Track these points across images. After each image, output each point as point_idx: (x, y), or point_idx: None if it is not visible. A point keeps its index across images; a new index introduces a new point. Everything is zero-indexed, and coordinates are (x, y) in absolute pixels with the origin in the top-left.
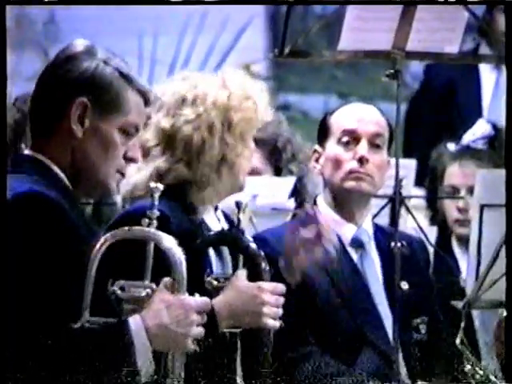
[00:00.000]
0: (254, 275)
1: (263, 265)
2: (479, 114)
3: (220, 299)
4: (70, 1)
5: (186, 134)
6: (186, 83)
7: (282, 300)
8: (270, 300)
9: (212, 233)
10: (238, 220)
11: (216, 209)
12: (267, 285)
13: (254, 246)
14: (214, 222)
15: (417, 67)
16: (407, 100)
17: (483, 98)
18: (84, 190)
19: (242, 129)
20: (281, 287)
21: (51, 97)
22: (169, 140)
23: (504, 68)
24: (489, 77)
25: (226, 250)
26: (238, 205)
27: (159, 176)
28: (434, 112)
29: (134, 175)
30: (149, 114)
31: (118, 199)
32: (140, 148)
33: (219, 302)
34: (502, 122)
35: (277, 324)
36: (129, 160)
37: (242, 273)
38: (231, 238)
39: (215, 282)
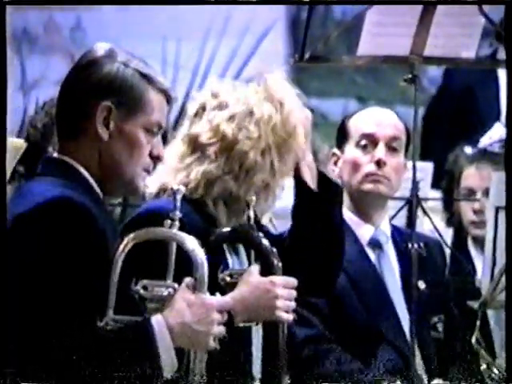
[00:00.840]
0: (267, 271)
1: (275, 261)
2: (497, 119)
3: (234, 294)
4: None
5: (245, 150)
6: (254, 95)
7: (294, 293)
8: (282, 293)
9: (224, 230)
10: (249, 217)
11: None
12: (279, 279)
13: (266, 242)
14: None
15: (435, 72)
16: (425, 104)
17: (501, 102)
18: (112, 190)
19: (291, 158)
20: (293, 281)
21: (76, 101)
22: (227, 147)
23: None
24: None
25: (241, 248)
26: (247, 203)
27: (208, 181)
28: (452, 116)
29: (181, 171)
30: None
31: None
32: (191, 139)
33: (233, 297)
34: None
35: (290, 317)
36: (155, 158)
37: (255, 268)
38: (243, 234)
39: (228, 278)
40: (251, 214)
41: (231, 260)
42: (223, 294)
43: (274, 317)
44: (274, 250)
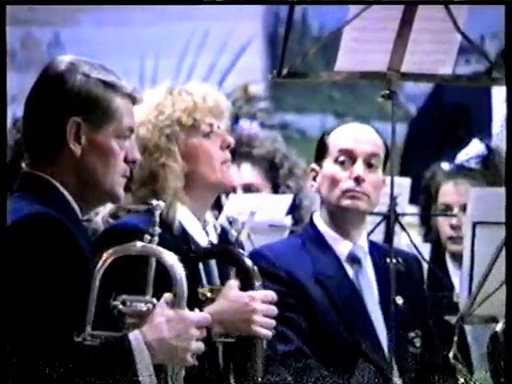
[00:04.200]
0: (246, 289)
1: (255, 280)
2: (489, 137)
3: (212, 308)
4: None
5: None
6: None
7: (274, 309)
8: (261, 308)
9: (204, 246)
10: (232, 235)
11: (205, 224)
12: (258, 293)
13: (248, 260)
14: (203, 237)
15: (412, 88)
16: (402, 120)
17: (493, 119)
18: (92, 202)
19: None
20: (271, 295)
21: (43, 119)
22: None
23: None
24: (500, 104)
25: (212, 263)
26: (230, 221)
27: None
28: (440, 132)
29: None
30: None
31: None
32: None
33: (211, 310)
34: (500, 143)
35: (269, 333)
36: (130, 162)
37: (234, 283)
38: (225, 251)
39: (209, 294)
40: (233, 232)
41: (204, 276)
42: (201, 308)
43: (251, 331)
44: (256, 268)
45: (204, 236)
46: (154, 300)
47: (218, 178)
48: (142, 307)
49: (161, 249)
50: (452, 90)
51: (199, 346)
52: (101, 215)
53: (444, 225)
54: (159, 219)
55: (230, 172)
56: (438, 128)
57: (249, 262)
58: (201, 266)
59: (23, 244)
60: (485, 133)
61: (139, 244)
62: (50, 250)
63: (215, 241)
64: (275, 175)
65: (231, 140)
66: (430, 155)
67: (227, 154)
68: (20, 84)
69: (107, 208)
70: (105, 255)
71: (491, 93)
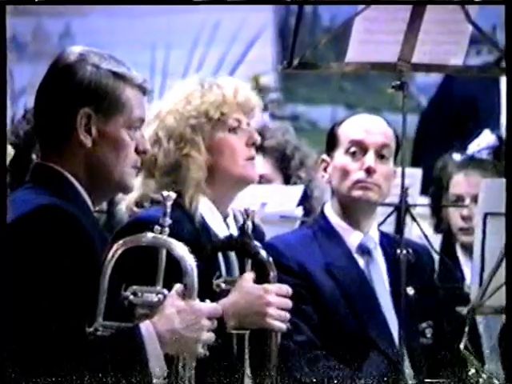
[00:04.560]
0: (262, 281)
1: (271, 272)
2: (498, 129)
3: (226, 300)
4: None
5: None
6: None
7: (288, 302)
8: (274, 301)
9: (221, 238)
10: (247, 226)
11: (226, 217)
12: (272, 286)
13: (263, 252)
14: (223, 229)
15: (423, 79)
16: (413, 111)
17: (502, 110)
18: (103, 193)
19: None
20: (286, 288)
21: (54, 110)
22: None
23: None
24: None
25: (233, 255)
26: (247, 212)
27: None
28: (451, 123)
29: None
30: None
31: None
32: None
33: (225, 302)
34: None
35: (283, 326)
36: (141, 153)
37: (249, 275)
38: (241, 244)
39: (223, 285)
40: (249, 223)
41: (224, 268)
42: (216, 300)
43: (265, 324)
44: (271, 259)
45: (224, 228)
46: (165, 291)
47: (240, 173)
48: (153, 298)
49: (171, 239)
50: (461, 80)
51: (210, 336)
52: (125, 204)
53: (455, 216)
54: (181, 210)
55: (253, 169)
56: (447, 119)
57: (264, 254)
58: (221, 258)
59: (33, 235)
60: (494, 123)
61: (150, 235)
62: (60, 241)
63: (235, 233)
64: (286, 166)
65: (258, 138)
66: (441, 146)
67: (252, 151)
68: (31, 75)
69: (130, 197)
70: (115, 246)
71: (500, 83)
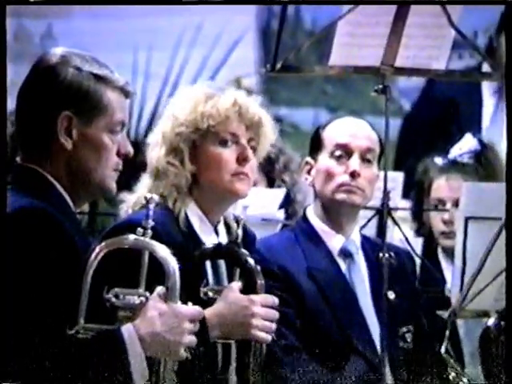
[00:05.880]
0: (249, 289)
1: (259, 280)
2: (479, 132)
3: (212, 310)
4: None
5: None
6: None
7: (274, 313)
8: (259, 312)
9: (209, 246)
10: (236, 234)
11: (217, 224)
12: (258, 297)
13: (251, 260)
14: (212, 238)
15: (405, 83)
16: (395, 115)
17: (483, 114)
18: (83, 195)
19: None
20: (272, 299)
21: (34, 113)
22: None
23: (504, 91)
24: (490, 99)
25: (222, 263)
26: (237, 220)
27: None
28: (432, 127)
29: None
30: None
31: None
32: None
33: (211, 312)
34: (498, 141)
35: (268, 337)
36: (122, 156)
37: (236, 284)
38: (229, 252)
39: (210, 293)
40: (240, 231)
41: (212, 276)
42: (204, 308)
43: (249, 335)
44: (259, 268)
45: (213, 237)
46: (147, 293)
47: (225, 188)
48: (135, 300)
49: (153, 242)
50: (442, 84)
51: (192, 339)
52: (124, 208)
53: (436, 220)
54: (167, 213)
55: (241, 184)
56: (428, 122)
57: (252, 263)
58: (209, 266)
59: (15, 238)
60: (475, 127)
61: (131, 237)
62: (40, 243)
63: (224, 240)
64: (270, 170)
65: (249, 155)
66: (422, 150)
67: (242, 168)
68: (13, 76)
69: (130, 201)
70: (97, 248)
71: (482, 87)
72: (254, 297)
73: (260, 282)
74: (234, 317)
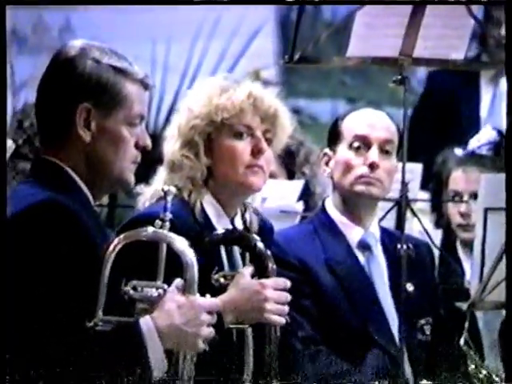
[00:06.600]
0: (261, 274)
1: (270, 264)
2: (477, 123)
3: (224, 296)
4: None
5: None
6: None
7: (286, 296)
8: (272, 295)
9: (220, 231)
10: (245, 219)
11: (234, 217)
12: (269, 281)
13: (261, 245)
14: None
15: (424, 73)
16: (414, 105)
17: (481, 108)
18: (102, 188)
19: None
20: (283, 281)
21: (54, 105)
22: None
23: (502, 80)
24: (487, 88)
25: (237, 251)
26: (245, 205)
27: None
28: (434, 118)
29: None
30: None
31: None
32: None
33: (223, 298)
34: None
35: (282, 320)
36: (141, 148)
37: (247, 270)
38: (238, 237)
39: (222, 280)
40: (247, 216)
41: (226, 262)
42: (217, 295)
43: (263, 319)
44: (269, 252)
45: (229, 227)
46: (165, 286)
47: (239, 180)
48: (153, 293)
49: (172, 234)
50: (441, 74)
51: (210, 331)
52: (141, 201)
53: (454, 212)
54: (183, 205)
55: (255, 177)
56: (431, 113)
57: (262, 247)
58: (223, 253)
59: (33, 230)
60: (473, 118)
61: (150, 229)
62: (59, 236)
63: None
64: (291, 162)
65: (264, 147)
66: (431, 142)
67: (257, 160)
68: (31, 69)
69: (147, 194)
70: (116, 240)
71: (480, 77)
72: (265, 281)
73: (271, 265)
74: (247, 302)
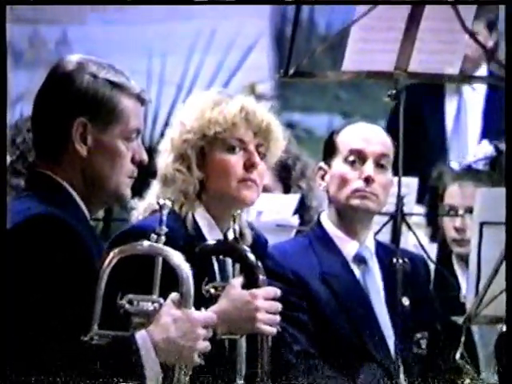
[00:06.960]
0: (251, 285)
1: (260, 275)
2: (443, 136)
3: (215, 307)
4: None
5: None
6: None
7: (277, 305)
8: (263, 305)
9: (211, 242)
10: (234, 230)
11: (227, 230)
12: (259, 290)
13: (251, 255)
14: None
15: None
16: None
17: (446, 119)
18: (98, 202)
19: None
20: (273, 291)
21: (50, 119)
22: None
23: (466, 89)
24: (452, 98)
25: (229, 263)
26: (234, 216)
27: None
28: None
29: None
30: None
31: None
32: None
33: (214, 309)
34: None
35: (273, 330)
36: (137, 163)
37: (237, 281)
38: (229, 247)
39: (213, 290)
40: (236, 227)
41: (218, 274)
42: (207, 306)
43: (255, 329)
44: (259, 263)
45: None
46: (161, 299)
47: (231, 194)
48: (149, 307)
49: (168, 248)
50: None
51: (206, 345)
52: (135, 215)
53: (449, 227)
54: (175, 218)
55: (248, 191)
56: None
57: (252, 258)
58: (215, 264)
59: (29, 245)
60: (439, 134)
61: (146, 243)
62: (55, 250)
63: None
64: (287, 176)
65: (257, 160)
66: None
67: (250, 174)
68: (28, 83)
69: (140, 207)
70: (111, 254)
71: (444, 90)
72: (255, 291)
73: (261, 276)
74: (238, 313)
